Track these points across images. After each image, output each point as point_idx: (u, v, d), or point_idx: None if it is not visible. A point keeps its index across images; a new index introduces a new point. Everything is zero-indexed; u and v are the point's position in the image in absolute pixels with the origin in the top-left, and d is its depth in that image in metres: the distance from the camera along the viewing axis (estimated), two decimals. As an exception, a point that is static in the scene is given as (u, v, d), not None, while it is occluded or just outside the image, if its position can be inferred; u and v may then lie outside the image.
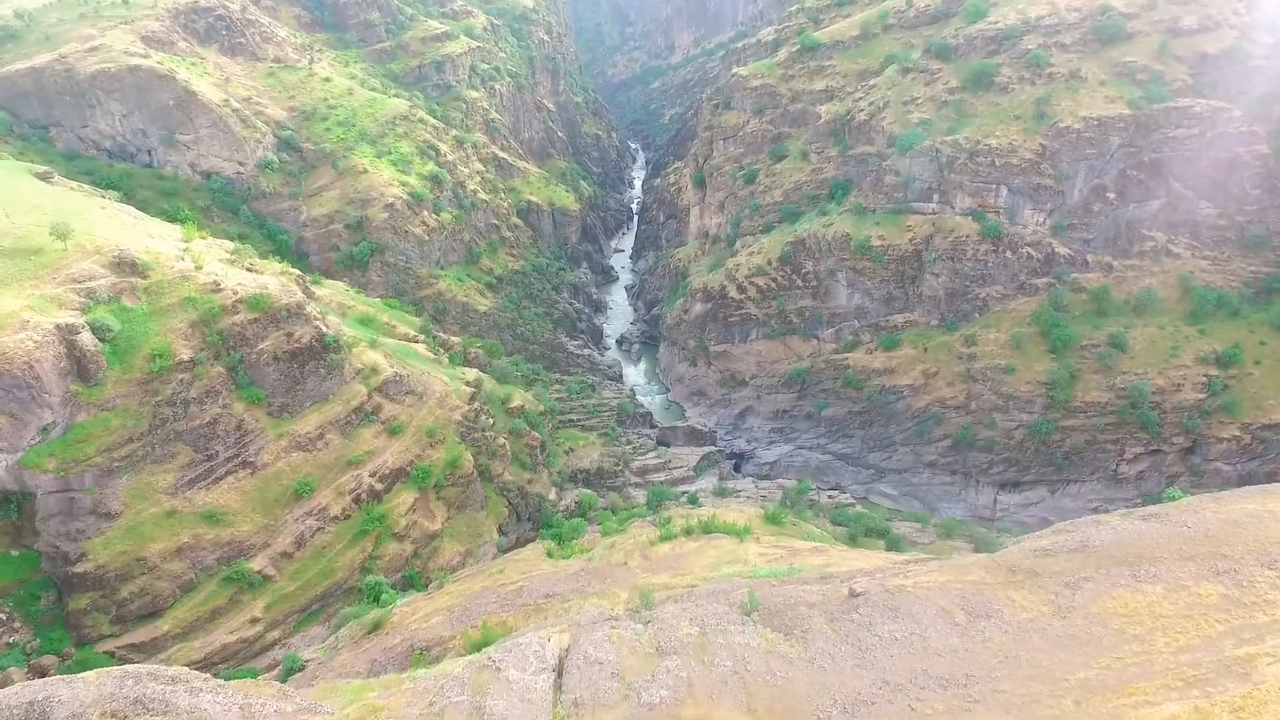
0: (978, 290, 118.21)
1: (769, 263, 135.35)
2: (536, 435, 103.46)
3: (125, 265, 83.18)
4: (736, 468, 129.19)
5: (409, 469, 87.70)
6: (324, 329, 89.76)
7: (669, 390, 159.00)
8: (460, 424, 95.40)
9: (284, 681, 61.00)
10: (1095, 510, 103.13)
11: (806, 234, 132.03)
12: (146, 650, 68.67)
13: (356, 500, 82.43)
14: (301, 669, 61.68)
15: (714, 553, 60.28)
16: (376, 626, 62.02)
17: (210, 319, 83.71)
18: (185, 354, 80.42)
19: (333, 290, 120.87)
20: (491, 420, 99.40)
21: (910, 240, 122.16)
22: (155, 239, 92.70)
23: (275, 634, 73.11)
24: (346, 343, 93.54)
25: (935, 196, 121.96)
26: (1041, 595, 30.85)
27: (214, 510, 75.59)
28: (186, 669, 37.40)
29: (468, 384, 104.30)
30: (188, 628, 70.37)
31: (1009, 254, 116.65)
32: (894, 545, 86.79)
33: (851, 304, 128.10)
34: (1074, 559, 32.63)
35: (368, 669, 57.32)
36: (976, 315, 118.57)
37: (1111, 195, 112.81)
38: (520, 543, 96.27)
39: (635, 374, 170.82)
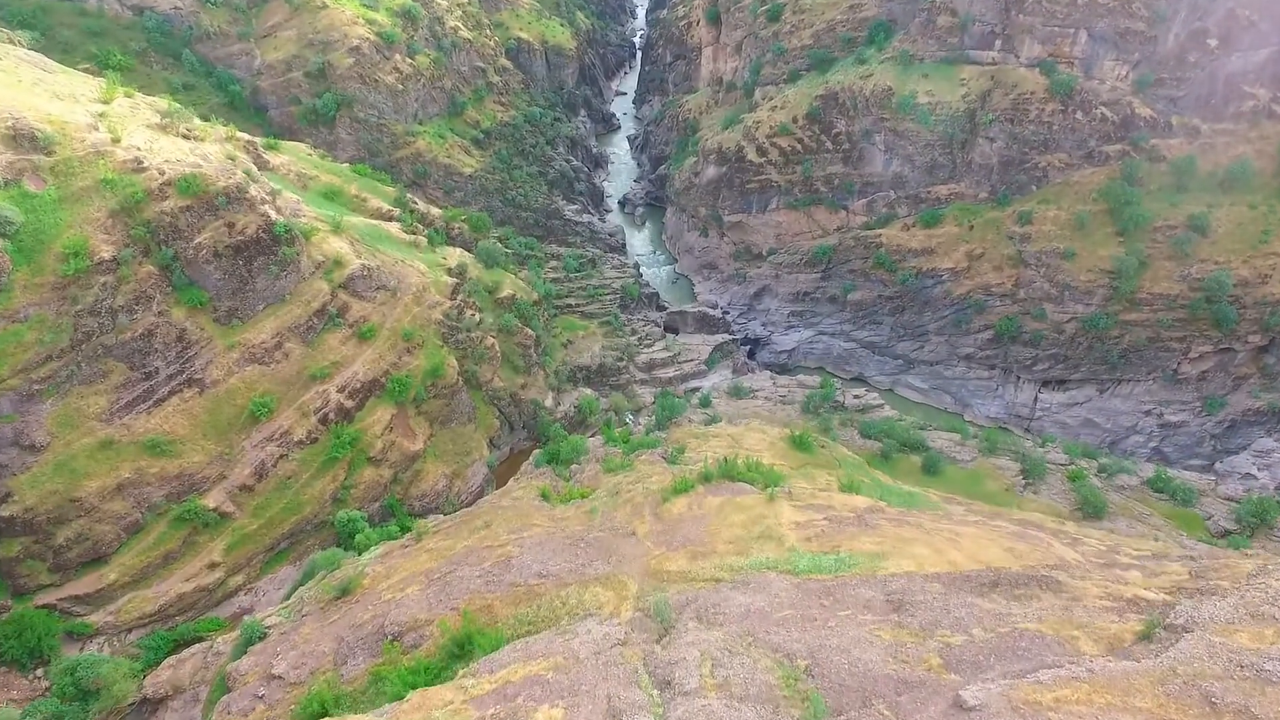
0: (1038, 158, 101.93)
1: (794, 120, 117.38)
2: (530, 331, 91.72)
3: (24, 139, 68.50)
4: (751, 354, 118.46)
5: (383, 380, 76.80)
6: (273, 216, 75.59)
7: (676, 261, 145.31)
8: (441, 323, 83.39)
9: (243, 653, 53.56)
10: (1148, 414, 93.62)
11: (839, 86, 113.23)
12: (92, 602, 60.96)
13: (324, 421, 72.17)
14: (263, 637, 53.89)
15: (739, 517, 50.44)
16: (345, 592, 53.59)
17: (133, 206, 69.84)
18: (106, 251, 67.42)
19: (292, 156, 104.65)
20: (478, 317, 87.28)
21: (963, 97, 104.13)
22: (63, 101, 76.56)
23: (239, 579, 65.31)
24: (303, 230, 79.64)
25: (998, 43, 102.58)
26: (1274, 771, 20.16)
27: (158, 438, 65.49)
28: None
29: (449, 272, 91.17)
30: (138, 575, 62.30)
31: (1079, 115, 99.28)
32: (932, 464, 77.65)
33: (888, 172, 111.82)
34: (1313, 697, 21.80)
35: (334, 650, 49.27)
36: (1033, 188, 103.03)
37: (1213, 42, 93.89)
38: (514, 455, 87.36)
39: (640, 241, 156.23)
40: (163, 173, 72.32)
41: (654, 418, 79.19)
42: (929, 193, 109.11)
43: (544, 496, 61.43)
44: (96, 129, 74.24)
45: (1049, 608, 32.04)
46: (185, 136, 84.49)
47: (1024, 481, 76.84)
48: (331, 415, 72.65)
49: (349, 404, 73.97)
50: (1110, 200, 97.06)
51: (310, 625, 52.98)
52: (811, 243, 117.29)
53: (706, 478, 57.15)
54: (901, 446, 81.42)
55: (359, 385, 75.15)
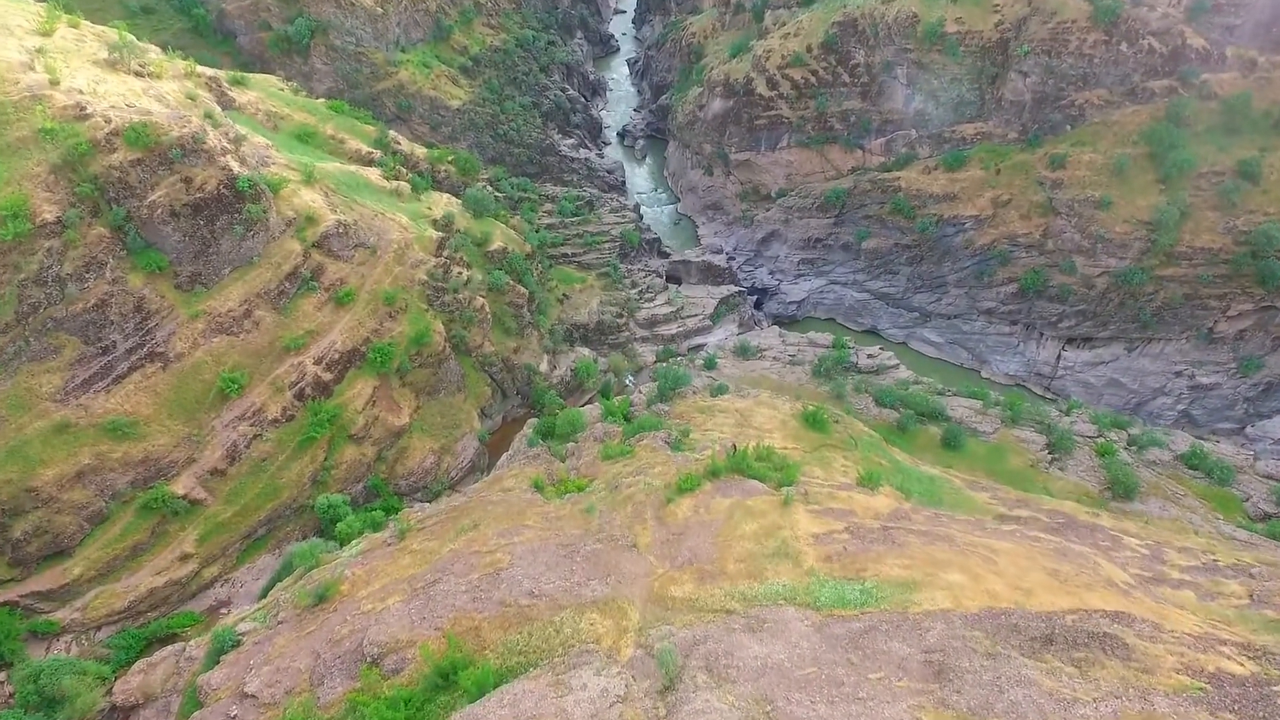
0: (1075, 95, 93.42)
1: (808, 49, 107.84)
2: (522, 289, 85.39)
3: (-53, 82, 61.17)
4: (758, 304, 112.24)
5: (364, 350, 71.18)
6: (235, 169, 68.44)
7: (679, 200, 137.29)
8: (426, 284, 77.12)
9: (215, 663, 49.91)
10: (1179, 374, 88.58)
11: (859, 12, 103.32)
12: (56, 598, 57.08)
13: (300, 396, 66.90)
14: (236, 645, 50.16)
15: (751, 526, 45.76)
16: (322, 598, 49.44)
17: (77, 160, 63.25)
18: (50, 211, 61.22)
19: (261, 93, 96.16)
20: (465, 275, 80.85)
21: (996, 25, 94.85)
22: (-6, 35, 68.82)
23: (214, 570, 61.31)
24: (271, 183, 72.55)
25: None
26: None
27: (119, 420, 60.43)
28: None
29: (435, 225, 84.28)
30: (104, 569, 58.22)
31: (1124, 47, 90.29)
32: (952, 438, 72.78)
33: (910, 108, 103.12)
34: None
35: (310, 668, 45.44)
36: (1068, 128, 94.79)
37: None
38: (507, 424, 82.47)
39: (640, 177, 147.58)
40: (109, 121, 65.11)
41: (656, 386, 73.85)
42: (953, 132, 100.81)
43: (537, 487, 56.71)
44: (33, 68, 66.75)
45: (1120, 688, 27.48)
46: (138, 74, 76.73)
47: (1050, 456, 72.15)
48: (308, 390, 67.35)
49: (327, 377, 68.56)
50: (1152, 143, 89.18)
51: (285, 635, 49.08)
52: (824, 185, 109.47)
53: (714, 473, 52.27)
54: (919, 416, 76.44)
55: (337, 356, 69.57)
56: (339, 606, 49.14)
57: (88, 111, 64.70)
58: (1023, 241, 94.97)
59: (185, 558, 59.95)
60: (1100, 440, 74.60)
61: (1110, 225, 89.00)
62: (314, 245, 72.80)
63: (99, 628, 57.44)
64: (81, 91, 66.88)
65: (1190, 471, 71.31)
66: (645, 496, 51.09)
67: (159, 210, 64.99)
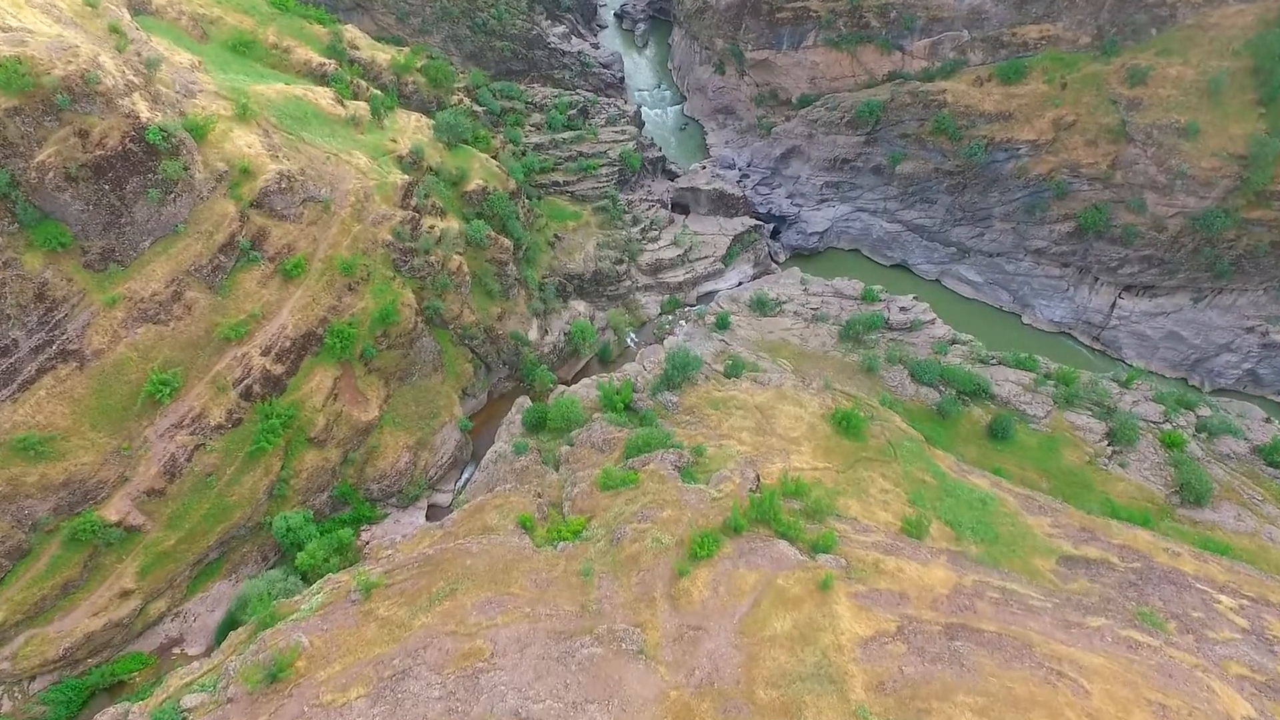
0: (1167, -9, 77.54)
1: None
2: (506, 241, 73.44)
3: None
4: (775, 233, 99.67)
5: (320, 332, 60.62)
6: (144, 115, 55.24)
7: (685, 100, 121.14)
8: (392, 246, 65.29)
9: (157, 746, 43.35)
10: (1250, 330, 78.81)
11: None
12: (-20, 646, 50.01)
13: (247, 395, 57.13)
14: (181, 725, 43.40)
15: (783, 623, 37.69)
16: (275, 678, 42.09)
17: (-62, 110, 50.26)
18: (-90, 181, 49.24)
19: (185, -14, 79.63)
20: (438, 229, 68.86)
21: (1080, -101, 77.25)
22: None
23: (161, 604, 53.99)
24: (194, 125, 59.41)
25: None
26: None
27: (31, 436, 51.15)
28: None
29: (400, 163, 71.19)
30: (32, 611, 50.75)
31: (1235, -72, 73.77)
32: (1000, 427, 63.71)
33: (963, 4, 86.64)
34: None
35: (261, 775, 38.73)
36: (1153, 33, 79.51)
37: None
38: (493, 401, 73.00)
39: (641, 69, 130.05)
40: (-30, 56, 51.43)
41: (663, 369, 63.89)
42: (1014, 35, 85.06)
43: (525, 527, 48.30)
44: None
45: None
46: (17, -26, 61.43)
47: (1110, 450, 63.52)
48: (256, 387, 57.55)
49: (277, 370, 58.52)
50: (1257, 54, 74.61)
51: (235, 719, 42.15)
52: (855, 95, 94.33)
53: (735, 528, 43.64)
54: (960, 394, 67.15)
55: (288, 343, 59.22)
56: (294, 691, 41.88)
57: (-56, 43, 51.08)
58: (1086, 173, 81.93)
59: (126, 594, 52.41)
60: (1167, 427, 65.73)
61: (1194, 159, 75.88)
62: (252, 205, 60.55)
63: (33, 678, 50.74)
64: (-66, 14, 52.89)
65: (1269, 468, 62.93)
66: (653, 560, 42.69)
67: (51, 173, 52.58)
